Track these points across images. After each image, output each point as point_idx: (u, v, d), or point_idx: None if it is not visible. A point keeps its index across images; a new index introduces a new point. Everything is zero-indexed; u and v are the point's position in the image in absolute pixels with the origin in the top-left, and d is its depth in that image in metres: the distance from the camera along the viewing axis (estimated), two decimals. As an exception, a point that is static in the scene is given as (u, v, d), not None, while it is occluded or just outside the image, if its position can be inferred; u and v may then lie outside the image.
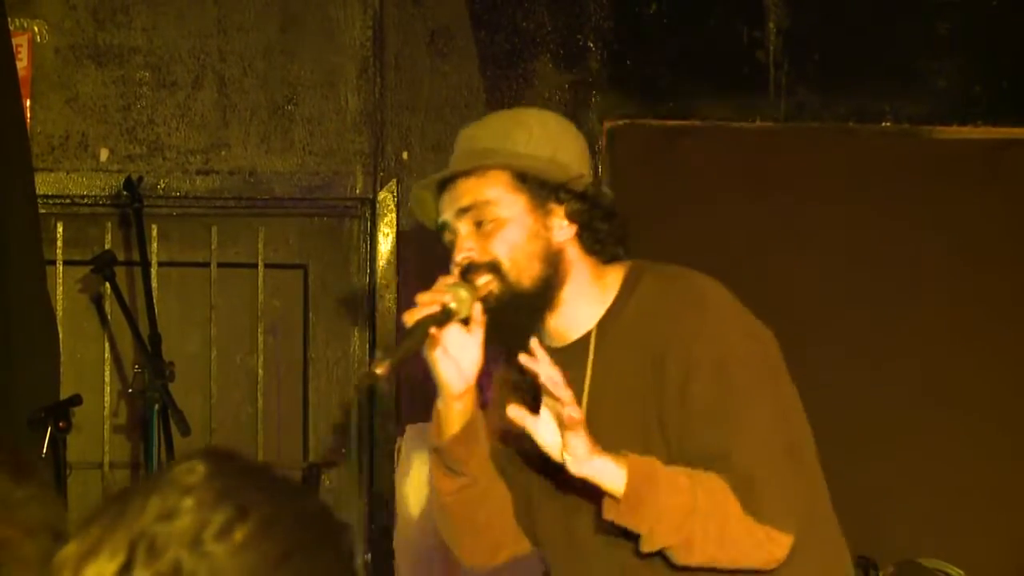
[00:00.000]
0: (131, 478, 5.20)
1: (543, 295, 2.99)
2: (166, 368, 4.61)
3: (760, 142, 5.33)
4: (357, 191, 5.30)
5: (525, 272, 2.96)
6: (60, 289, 5.17)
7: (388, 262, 5.26)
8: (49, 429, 4.48)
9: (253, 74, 5.26)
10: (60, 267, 5.18)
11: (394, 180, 5.29)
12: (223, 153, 5.25)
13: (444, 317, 2.89)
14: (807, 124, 5.35)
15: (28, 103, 5.06)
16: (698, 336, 2.97)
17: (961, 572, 4.82)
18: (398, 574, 4.95)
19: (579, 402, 2.92)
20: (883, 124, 5.37)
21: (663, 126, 5.30)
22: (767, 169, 5.31)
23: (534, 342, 2.86)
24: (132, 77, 5.20)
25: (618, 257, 3.07)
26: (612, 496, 2.84)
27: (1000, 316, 5.29)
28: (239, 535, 1.35)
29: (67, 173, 5.19)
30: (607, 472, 2.83)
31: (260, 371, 5.30)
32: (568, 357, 2.98)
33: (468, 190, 2.97)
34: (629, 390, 2.95)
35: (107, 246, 5.10)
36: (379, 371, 2.83)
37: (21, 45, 5.08)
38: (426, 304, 2.89)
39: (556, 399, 2.80)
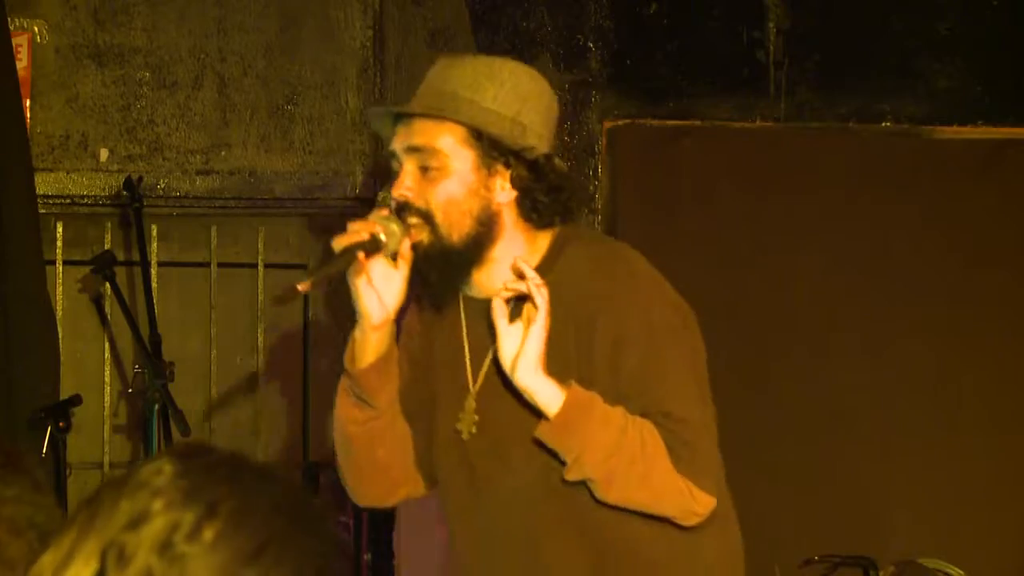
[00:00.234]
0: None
1: (470, 252, 3.03)
2: (166, 368, 4.61)
3: (760, 142, 5.32)
4: (357, 191, 5.30)
5: (456, 228, 3.00)
6: (60, 289, 5.17)
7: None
8: (49, 429, 4.47)
9: (253, 74, 5.26)
10: (60, 267, 5.18)
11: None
12: (223, 153, 5.25)
13: (373, 246, 2.94)
14: (807, 124, 5.35)
15: (28, 103, 5.06)
16: (630, 307, 3.02)
17: (961, 572, 4.82)
18: (398, 574, 4.95)
19: (485, 358, 3.04)
20: (883, 124, 5.37)
21: (663, 126, 5.30)
22: (767, 169, 5.31)
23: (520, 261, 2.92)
24: (132, 77, 5.20)
25: (552, 225, 3.08)
26: (546, 417, 2.91)
27: (1000, 316, 5.28)
28: (209, 533, 1.34)
29: (67, 173, 5.19)
30: (547, 391, 2.90)
31: (260, 371, 5.30)
32: (487, 311, 3.01)
33: (422, 131, 3.01)
34: (549, 347, 2.96)
35: (107, 246, 5.10)
36: (301, 287, 2.89)
37: (21, 45, 5.08)
38: (357, 231, 2.93)
39: (534, 311, 2.87)
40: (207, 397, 5.27)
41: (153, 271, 5.08)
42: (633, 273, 3.10)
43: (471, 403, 3.07)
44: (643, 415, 2.95)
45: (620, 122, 5.31)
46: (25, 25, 5.13)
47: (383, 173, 5.31)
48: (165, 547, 1.33)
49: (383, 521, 5.13)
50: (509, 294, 2.95)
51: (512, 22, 5.29)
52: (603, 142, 5.28)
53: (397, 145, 3.05)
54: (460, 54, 3.21)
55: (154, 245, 5.17)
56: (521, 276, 2.92)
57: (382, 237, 2.95)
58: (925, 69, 5.37)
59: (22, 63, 5.06)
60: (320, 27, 5.28)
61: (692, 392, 3.04)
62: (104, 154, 5.20)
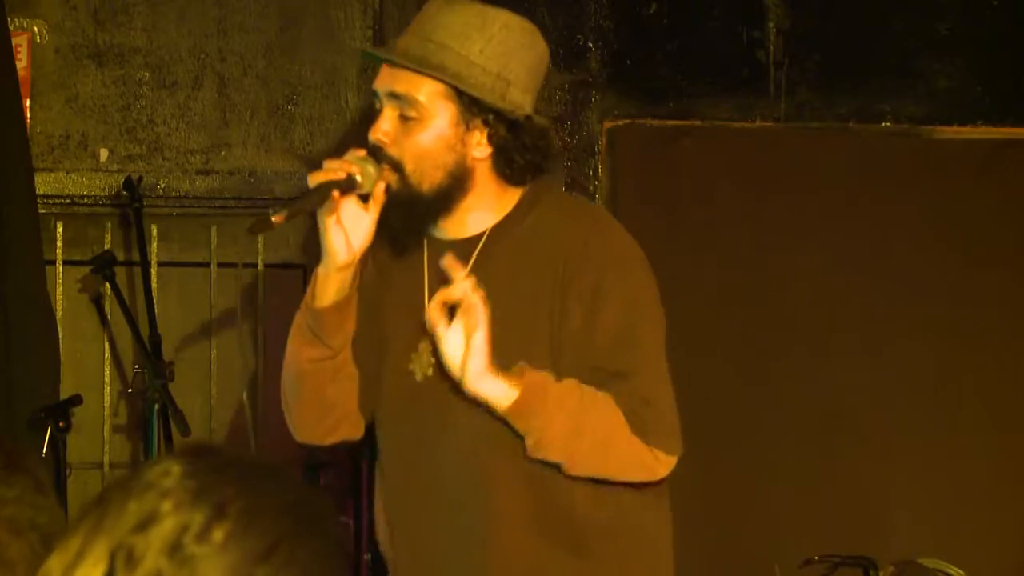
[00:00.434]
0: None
1: (438, 202, 3.06)
2: (166, 368, 4.61)
3: (760, 142, 5.32)
4: (357, 191, 5.30)
5: (427, 179, 3.02)
6: (60, 289, 5.17)
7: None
8: (49, 429, 4.47)
9: (253, 74, 5.26)
10: (60, 267, 5.18)
11: (394, 180, 5.28)
12: (223, 153, 5.25)
13: (347, 185, 2.97)
14: (807, 124, 5.35)
15: (28, 103, 5.06)
16: (608, 256, 3.06)
17: (961, 572, 4.82)
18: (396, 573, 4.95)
19: None
20: (883, 124, 5.36)
21: (663, 126, 5.30)
22: (767, 169, 5.31)
23: (449, 259, 2.93)
24: (132, 77, 5.20)
25: (524, 182, 3.10)
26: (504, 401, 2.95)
27: (1000, 316, 5.28)
28: (219, 534, 1.34)
29: (67, 173, 5.19)
30: (499, 391, 2.94)
31: (260, 371, 5.30)
32: (452, 252, 3.04)
33: (405, 79, 3.02)
34: (518, 295, 3.02)
35: (107, 246, 5.10)
36: (274, 219, 2.90)
37: (21, 45, 5.07)
38: (333, 169, 2.94)
39: (470, 314, 2.89)
40: (207, 397, 5.27)
41: (153, 271, 5.08)
42: (608, 225, 3.17)
43: (427, 345, 3.06)
44: (611, 371, 3.00)
45: (620, 122, 5.30)
46: (25, 25, 5.13)
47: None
48: (175, 548, 1.33)
49: (383, 521, 5.13)
50: (441, 305, 2.95)
51: (512, 22, 5.28)
52: (603, 142, 5.28)
53: (380, 87, 3.07)
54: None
55: (154, 245, 5.17)
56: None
57: (358, 177, 2.96)
58: (925, 69, 5.37)
59: (22, 63, 5.06)
60: (320, 27, 5.27)
61: (660, 356, 3.09)
62: (104, 154, 5.20)
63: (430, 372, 3.08)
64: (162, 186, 5.22)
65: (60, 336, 4.91)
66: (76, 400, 4.63)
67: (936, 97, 5.37)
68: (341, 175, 2.96)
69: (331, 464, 5.27)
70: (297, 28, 5.27)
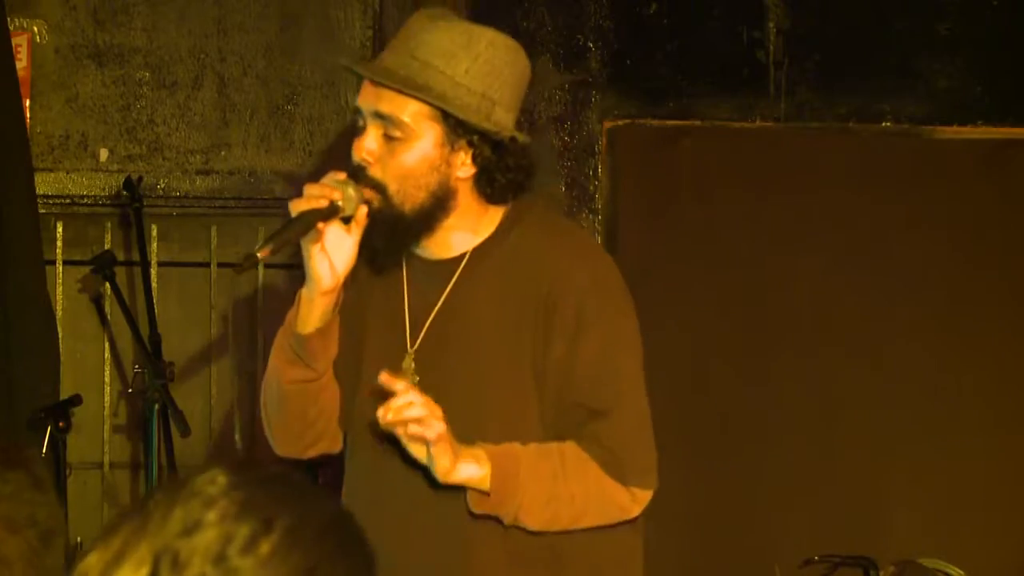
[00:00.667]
0: (131, 478, 5.20)
1: (420, 223, 3.05)
2: (166, 368, 4.61)
3: (760, 142, 5.32)
4: (357, 191, 5.30)
5: (409, 200, 3.00)
6: (60, 289, 5.17)
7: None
8: (49, 429, 4.47)
9: (253, 74, 5.26)
10: (60, 267, 5.18)
11: (394, 180, 5.28)
12: (223, 153, 5.25)
13: (330, 212, 2.95)
14: (807, 124, 5.35)
15: (28, 103, 5.06)
16: (591, 292, 3.05)
17: (961, 572, 4.82)
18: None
19: (427, 318, 3.05)
20: (883, 124, 5.36)
21: (663, 126, 5.29)
22: (767, 169, 5.31)
23: (386, 378, 2.89)
24: (132, 77, 5.20)
25: (506, 201, 3.09)
26: (478, 491, 2.95)
27: (1000, 316, 5.28)
28: (264, 548, 1.34)
29: (67, 173, 5.19)
30: (471, 477, 2.94)
31: (260, 371, 5.29)
32: (434, 272, 3.06)
33: (390, 99, 3.00)
34: (500, 317, 3.02)
35: (107, 246, 5.10)
36: (260, 254, 2.91)
37: (21, 45, 5.07)
38: (315, 196, 2.94)
39: (420, 426, 2.87)
40: (207, 397, 5.26)
41: (153, 271, 5.08)
42: (590, 250, 3.17)
43: (409, 363, 3.06)
44: (590, 409, 2.99)
45: (620, 122, 5.30)
46: (25, 25, 5.13)
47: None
48: (220, 559, 1.33)
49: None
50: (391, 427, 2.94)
51: (512, 22, 5.28)
52: (603, 142, 5.28)
53: (364, 105, 3.04)
54: (441, 13, 3.18)
55: (154, 245, 5.17)
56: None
57: (340, 203, 2.95)
58: (925, 69, 5.37)
59: (22, 63, 5.06)
60: (320, 27, 5.27)
61: (639, 390, 3.08)
62: (104, 154, 5.20)
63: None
64: (162, 186, 5.22)
65: (60, 336, 4.90)
66: (76, 400, 4.63)
67: (936, 97, 5.36)
68: (323, 203, 2.95)
69: (331, 464, 5.27)
70: (297, 28, 5.27)
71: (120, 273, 4.96)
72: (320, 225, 2.95)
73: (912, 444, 5.21)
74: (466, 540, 3.03)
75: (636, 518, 3.17)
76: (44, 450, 4.42)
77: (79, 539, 4.39)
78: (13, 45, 4.90)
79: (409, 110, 2.99)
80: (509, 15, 5.29)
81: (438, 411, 2.89)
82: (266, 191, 5.27)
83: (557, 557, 3.06)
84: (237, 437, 5.19)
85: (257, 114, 5.26)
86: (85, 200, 5.21)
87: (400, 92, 2.98)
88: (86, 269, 5.04)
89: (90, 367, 5.21)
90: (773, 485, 5.17)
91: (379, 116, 3.00)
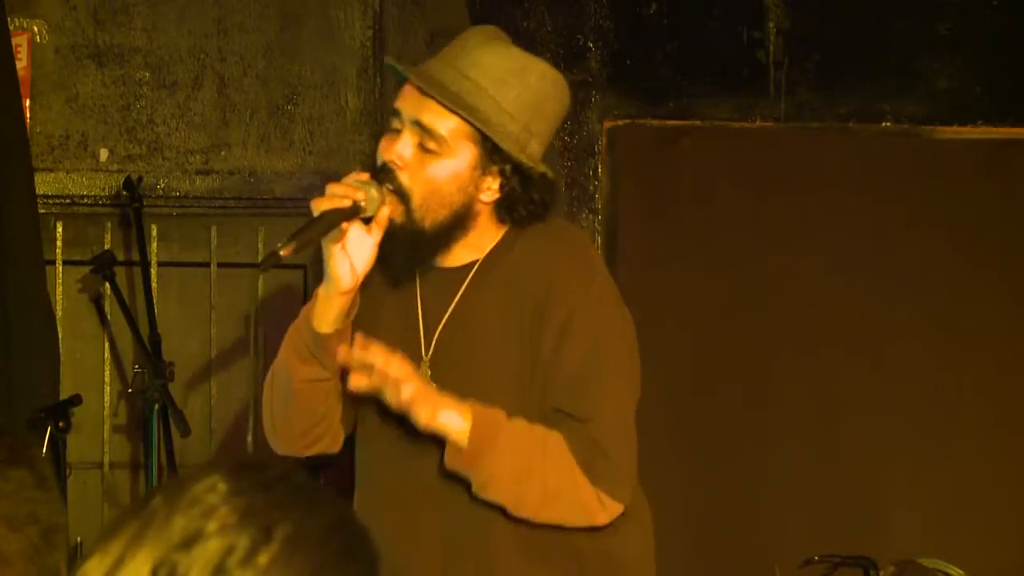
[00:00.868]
0: (131, 478, 5.20)
1: (438, 240, 3.05)
2: (166, 368, 4.61)
3: (760, 142, 5.32)
4: (357, 191, 5.30)
5: (431, 215, 3.00)
6: (60, 289, 5.17)
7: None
8: (49, 429, 4.47)
9: (253, 74, 5.26)
10: (60, 267, 5.17)
11: (394, 180, 5.28)
12: (223, 153, 5.25)
13: (352, 213, 2.93)
14: (807, 124, 5.35)
15: (28, 103, 5.06)
16: (584, 297, 3.05)
17: (961, 572, 4.82)
18: (398, 574, 4.95)
19: (437, 326, 3.06)
20: (883, 124, 5.36)
21: (663, 126, 5.30)
22: (767, 169, 5.31)
23: (361, 344, 2.92)
24: (132, 77, 5.20)
25: (521, 226, 3.10)
26: (454, 445, 2.95)
27: (1000, 316, 5.28)
28: (263, 559, 1.33)
29: (67, 173, 5.18)
30: (451, 427, 2.94)
31: (260, 371, 5.29)
32: (445, 280, 3.06)
33: (433, 111, 2.98)
34: (505, 325, 3.02)
35: (107, 246, 5.10)
36: (283, 252, 2.91)
37: (21, 45, 5.07)
38: (338, 196, 2.92)
39: (392, 383, 2.90)
40: (207, 397, 5.26)
41: (153, 271, 5.08)
42: (589, 261, 3.14)
43: (425, 371, 3.07)
44: (569, 414, 2.99)
45: (620, 122, 5.30)
46: (25, 25, 5.13)
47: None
48: (218, 571, 1.32)
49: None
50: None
51: (512, 22, 5.29)
52: (603, 142, 5.28)
53: (405, 109, 3.01)
54: (496, 33, 3.15)
55: (154, 245, 5.17)
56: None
57: (362, 203, 2.94)
58: (925, 69, 5.37)
59: (22, 63, 5.06)
60: (320, 27, 5.27)
61: (623, 400, 3.07)
62: (104, 154, 5.20)
63: None
64: (162, 186, 5.22)
65: (60, 336, 4.90)
66: (76, 400, 4.63)
67: (936, 97, 5.37)
68: (346, 203, 2.93)
69: (331, 464, 5.27)
70: (297, 28, 5.27)
71: (120, 273, 4.96)
72: (344, 225, 2.93)
73: (912, 444, 5.21)
74: (485, 538, 3.03)
75: (645, 522, 3.16)
76: (44, 450, 4.42)
77: (79, 539, 4.39)
78: (13, 45, 4.90)
79: (450, 126, 2.97)
80: (509, 15, 5.29)
81: (406, 370, 2.91)
82: (266, 191, 5.27)
83: (576, 555, 3.06)
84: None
85: (257, 114, 5.26)
86: (85, 200, 5.20)
87: (446, 107, 2.96)
88: (86, 269, 5.04)
89: (90, 367, 5.21)
90: (773, 485, 5.17)
91: (419, 125, 2.98)
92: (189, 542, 1.33)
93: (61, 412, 4.54)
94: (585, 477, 2.99)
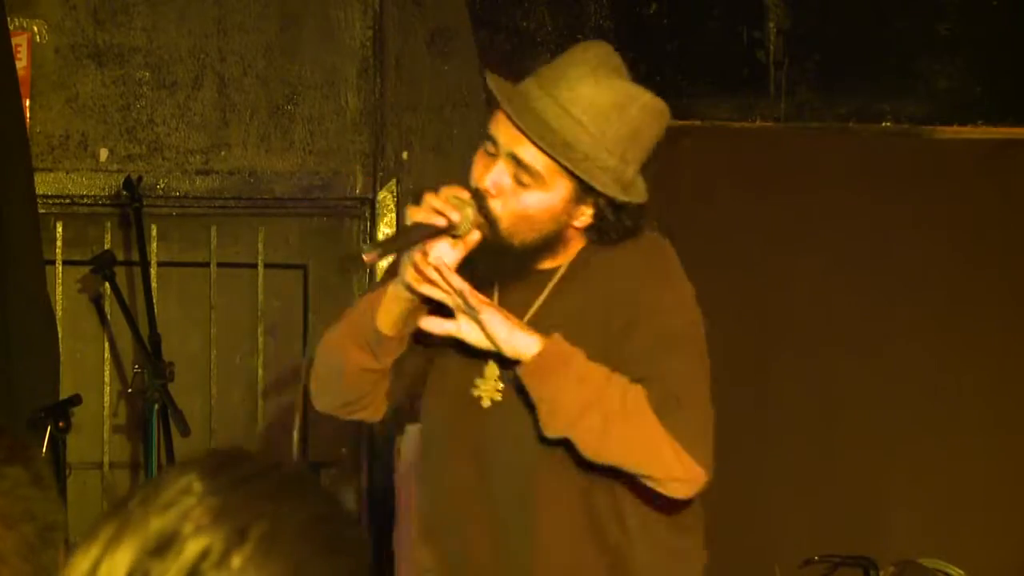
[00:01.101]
0: (131, 478, 5.20)
1: (526, 257, 3.02)
2: (166, 368, 4.61)
3: (760, 142, 5.32)
4: (357, 191, 5.30)
5: (519, 237, 2.97)
6: (60, 289, 5.17)
7: (388, 262, 5.25)
8: (49, 429, 4.47)
9: (253, 74, 5.26)
10: (60, 267, 5.17)
11: (394, 180, 5.29)
12: (223, 153, 5.25)
13: (445, 230, 2.90)
14: (807, 124, 5.35)
15: (28, 103, 5.06)
16: (657, 305, 3.03)
17: (961, 572, 4.82)
18: (398, 574, 4.95)
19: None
20: (883, 124, 5.36)
21: (663, 126, 5.29)
22: (767, 169, 5.31)
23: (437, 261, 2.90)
24: (132, 77, 5.20)
25: (609, 242, 3.09)
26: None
27: (1000, 316, 5.28)
28: (237, 560, 1.31)
29: (67, 173, 5.19)
30: (525, 347, 2.92)
31: (260, 371, 5.30)
32: (526, 282, 3.04)
33: (529, 146, 2.93)
34: (583, 333, 2.98)
35: (107, 246, 5.10)
36: (366, 259, 2.85)
37: (21, 45, 5.08)
38: (435, 211, 2.89)
39: (463, 298, 2.90)
40: (207, 397, 5.27)
41: (153, 271, 5.08)
42: (668, 271, 3.11)
43: (493, 369, 3.05)
44: (641, 375, 2.94)
45: (620, 122, 5.30)
46: (25, 25, 5.13)
47: (383, 173, 5.31)
48: (193, 575, 1.31)
49: (384, 521, 5.13)
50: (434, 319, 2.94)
51: (512, 22, 5.29)
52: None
53: (500, 138, 2.96)
54: (598, 58, 3.10)
55: (154, 245, 5.17)
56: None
57: (456, 220, 2.91)
58: (925, 69, 5.37)
59: (22, 63, 5.06)
60: (320, 27, 5.27)
61: (697, 373, 3.02)
62: (104, 154, 5.20)
63: (498, 397, 3.05)
64: (162, 186, 5.22)
65: (60, 336, 4.90)
66: (76, 400, 4.63)
67: (936, 97, 5.37)
68: (442, 222, 2.89)
69: (331, 464, 5.27)
70: (297, 28, 5.27)
71: (120, 273, 4.96)
72: (432, 242, 2.91)
73: (912, 444, 5.21)
74: (533, 548, 3.02)
75: (698, 531, 3.15)
76: (44, 450, 4.41)
77: (77, 539, 4.38)
78: (13, 45, 4.90)
79: (547, 162, 2.93)
80: (509, 15, 5.29)
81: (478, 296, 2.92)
82: (266, 191, 5.27)
83: (621, 562, 3.05)
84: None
85: (257, 114, 5.26)
86: (85, 200, 5.21)
87: (543, 149, 2.93)
88: (86, 269, 5.04)
89: (90, 367, 5.21)
90: (773, 485, 5.17)
91: (514, 158, 2.94)
92: (164, 547, 1.32)
93: (61, 412, 4.54)
94: (661, 425, 2.92)
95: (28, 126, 4.98)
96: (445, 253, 2.93)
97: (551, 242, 3.01)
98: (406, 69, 5.30)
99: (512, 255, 2.99)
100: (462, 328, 2.96)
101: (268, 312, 5.32)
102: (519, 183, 2.94)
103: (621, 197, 2.98)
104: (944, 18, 5.37)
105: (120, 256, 5.05)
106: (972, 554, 4.95)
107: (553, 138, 2.93)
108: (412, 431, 4.94)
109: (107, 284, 4.91)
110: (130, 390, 5.16)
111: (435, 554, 3.16)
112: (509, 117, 2.94)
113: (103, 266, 4.82)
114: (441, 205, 2.89)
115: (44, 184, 5.05)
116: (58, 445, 4.48)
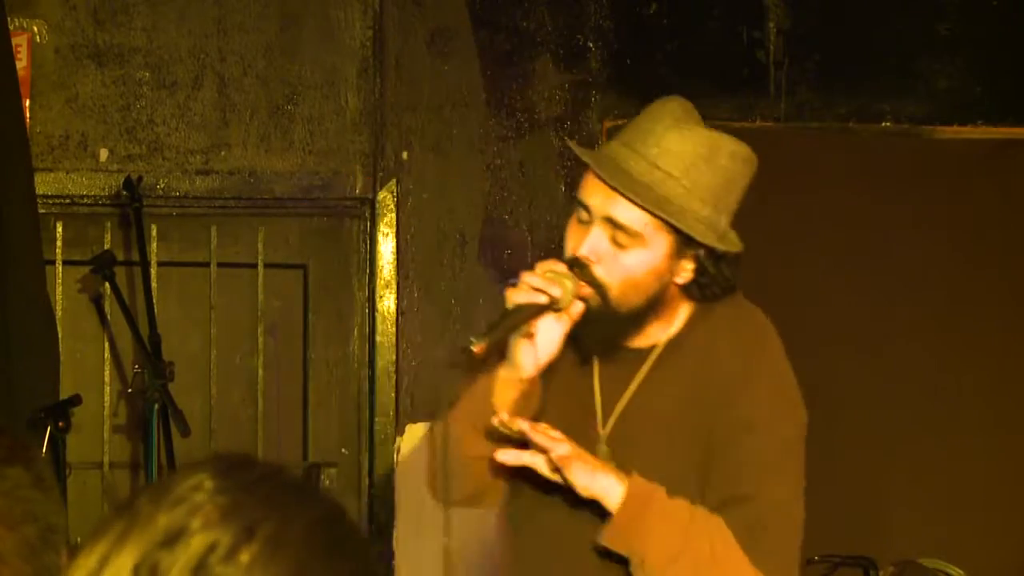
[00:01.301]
0: (131, 478, 5.20)
1: (632, 323, 2.99)
2: (166, 368, 4.61)
3: (760, 142, 5.29)
4: (357, 191, 5.30)
5: (627, 304, 2.94)
6: (60, 289, 5.17)
7: (388, 262, 5.26)
8: (49, 429, 4.47)
9: (253, 74, 5.26)
10: (60, 267, 5.18)
11: (394, 180, 5.29)
12: (223, 153, 5.25)
13: (547, 308, 2.88)
14: (807, 124, 5.35)
15: (28, 103, 5.06)
16: (756, 395, 3.01)
17: (961, 572, 4.82)
18: (398, 574, 4.95)
19: (614, 408, 3.00)
20: (883, 124, 5.37)
21: (663, 126, 5.29)
22: (767, 169, 5.30)
23: (507, 419, 2.86)
24: (132, 77, 5.20)
25: (707, 300, 3.07)
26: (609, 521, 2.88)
27: (1000, 316, 5.28)
28: (245, 557, 1.32)
29: (67, 173, 5.19)
30: (607, 490, 2.87)
31: (260, 371, 5.30)
32: (626, 359, 3.01)
33: (624, 206, 2.91)
34: (681, 416, 2.97)
35: (107, 246, 5.10)
36: (476, 349, 2.80)
37: (21, 45, 5.08)
38: (535, 290, 2.87)
39: (546, 449, 2.85)
40: (207, 397, 5.27)
41: (153, 271, 5.08)
42: (768, 356, 3.11)
43: (604, 449, 3.01)
44: (733, 494, 2.93)
45: (620, 122, 5.29)
46: (25, 25, 5.13)
47: (383, 173, 5.31)
48: (199, 568, 1.32)
49: (383, 522, 5.13)
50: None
51: (512, 22, 5.29)
52: (603, 142, 5.28)
53: (593, 203, 2.93)
54: (681, 112, 3.09)
55: (154, 245, 5.17)
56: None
57: (558, 298, 2.88)
58: (925, 69, 5.38)
59: (22, 63, 5.06)
60: (320, 27, 5.28)
61: (790, 484, 3.03)
62: (104, 154, 5.20)
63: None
64: (162, 186, 5.22)
65: (60, 336, 4.91)
66: (76, 400, 4.63)
67: (936, 97, 5.37)
68: (544, 300, 2.86)
69: (332, 464, 5.27)
70: (297, 28, 5.27)
71: (120, 273, 4.97)
72: (536, 322, 2.88)
73: (912, 444, 5.21)
74: None
75: None
76: (44, 450, 4.42)
77: (78, 539, 4.38)
78: (13, 45, 4.90)
79: (644, 220, 2.91)
80: (509, 15, 5.29)
81: (560, 437, 2.86)
82: (266, 191, 5.28)
83: None
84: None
85: (257, 114, 5.26)
86: (85, 200, 5.21)
87: (637, 204, 2.90)
88: (86, 269, 5.04)
89: (90, 367, 5.21)
90: (773, 485, 5.17)
91: (611, 221, 2.91)
92: (172, 539, 1.33)
93: (61, 412, 4.54)
94: (746, 558, 2.91)
95: (28, 126, 4.99)
96: (549, 329, 2.90)
97: (655, 303, 2.98)
98: (406, 69, 5.30)
99: (621, 324, 2.97)
100: (537, 462, 2.91)
101: (268, 312, 5.32)
102: (618, 245, 2.91)
103: (719, 247, 2.97)
104: (944, 18, 5.37)
105: (120, 256, 5.05)
106: (972, 554, 4.95)
107: (648, 194, 2.90)
108: (412, 431, 4.94)
109: (107, 284, 4.91)
110: (130, 390, 5.16)
111: None
112: (601, 179, 2.92)
113: (103, 266, 4.82)
114: (540, 282, 2.86)
115: (44, 184, 5.05)
116: (58, 445, 4.48)
